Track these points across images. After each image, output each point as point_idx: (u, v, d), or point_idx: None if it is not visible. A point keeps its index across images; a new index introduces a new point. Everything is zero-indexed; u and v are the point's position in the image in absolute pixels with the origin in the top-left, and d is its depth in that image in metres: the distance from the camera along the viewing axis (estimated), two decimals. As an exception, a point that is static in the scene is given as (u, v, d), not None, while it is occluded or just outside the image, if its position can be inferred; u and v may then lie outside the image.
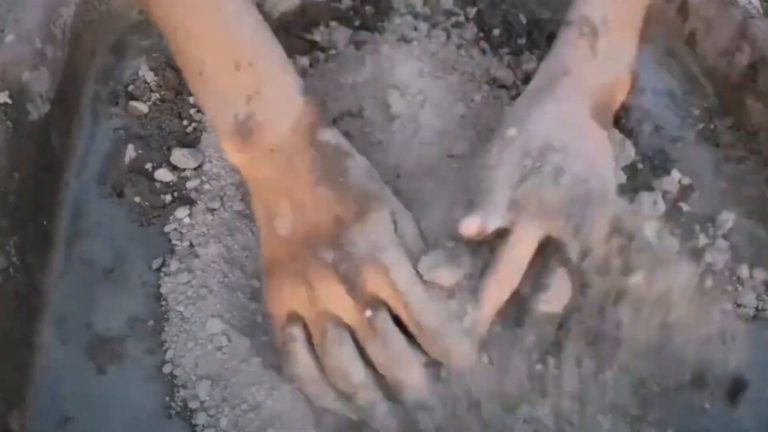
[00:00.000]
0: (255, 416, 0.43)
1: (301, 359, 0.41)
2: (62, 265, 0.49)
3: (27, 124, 0.50)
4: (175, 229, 0.51)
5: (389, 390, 0.41)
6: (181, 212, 0.51)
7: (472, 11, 0.65)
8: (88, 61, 0.60)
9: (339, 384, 0.41)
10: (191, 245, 0.50)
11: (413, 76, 0.58)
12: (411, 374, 0.40)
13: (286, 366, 0.42)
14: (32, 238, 0.48)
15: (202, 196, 0.52)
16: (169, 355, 0.45)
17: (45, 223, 0.50)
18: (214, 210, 0.52)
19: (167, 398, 0.44)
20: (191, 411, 0.43)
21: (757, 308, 0.51)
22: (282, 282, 0.42)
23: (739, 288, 0.51)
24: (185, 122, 0.57)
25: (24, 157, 0.49)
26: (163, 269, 0.49)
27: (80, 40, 0.59)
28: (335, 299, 0.40)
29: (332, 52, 0.61)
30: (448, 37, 0.63)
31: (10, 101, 0.49)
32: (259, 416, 0.43)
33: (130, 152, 0.55)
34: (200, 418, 0.43)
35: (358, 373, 0.40)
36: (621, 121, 0.60)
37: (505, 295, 0.41)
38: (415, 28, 0.63)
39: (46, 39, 0.54)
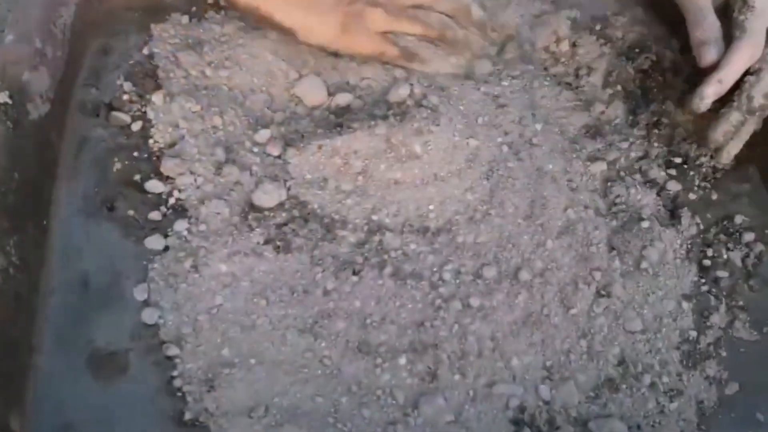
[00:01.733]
0: (262, 424, 0.43)
1: None
2: (57, 282, 0.48)
3: (27, 124, 0.50)
4: (175, 241, 0.50)
5: None
6: (180, 225, 0.50)
7: None
8: (82, 63, 0.59)
9: None
10: (190, 255, 0.49)
11: None
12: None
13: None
14: (32, 238, 0.48)
15: (200, 206, 0.51)
16: (172, 364, 0.46)
17: (45, 223, 0.50)
18: (212, 219, 0.51)
19: (171, 411, 0.44)
20: (198, 420, 0.44)
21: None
22: None
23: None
24: (170, 130, 0.54)
25: (24, 157, 0.49)
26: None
27: (80, 40, 0.58)
28: None
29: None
30: None
31: (10, 101, 0.49)
32: (265, 424, 0.43)
33: (117, 165, 0.53)
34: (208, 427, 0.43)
35: None
36: None
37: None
38: None
39: (46, 39, 0.54)
